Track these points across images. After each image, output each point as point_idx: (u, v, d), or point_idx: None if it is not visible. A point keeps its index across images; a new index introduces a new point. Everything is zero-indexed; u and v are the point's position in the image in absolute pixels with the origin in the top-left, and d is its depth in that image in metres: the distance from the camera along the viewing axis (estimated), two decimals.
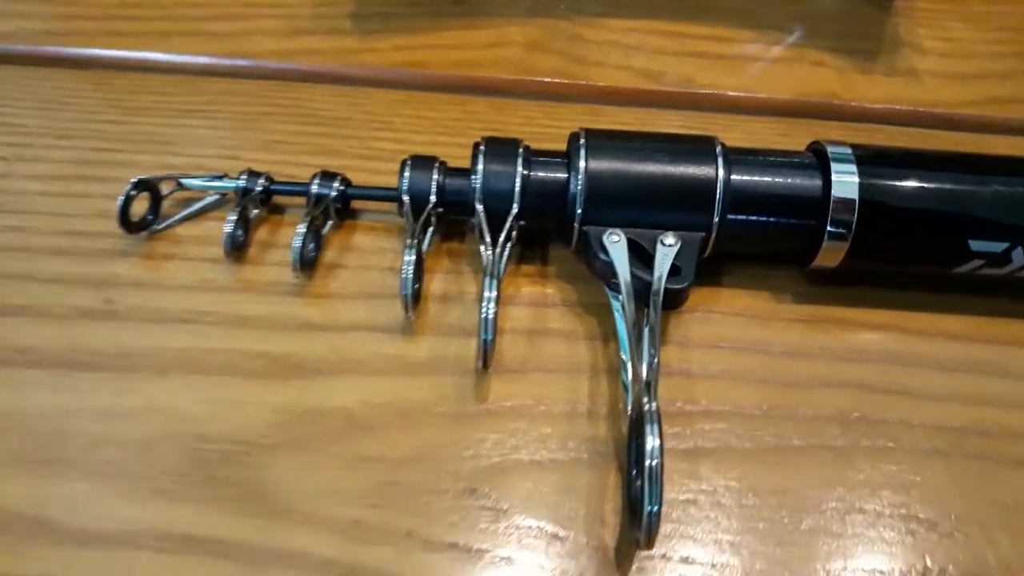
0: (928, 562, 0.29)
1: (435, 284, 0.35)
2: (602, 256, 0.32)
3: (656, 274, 0.32)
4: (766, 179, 0.34)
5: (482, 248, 0.33)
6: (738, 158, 0.33)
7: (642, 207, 0.33)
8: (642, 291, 0.31)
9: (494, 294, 0.31)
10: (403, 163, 0.35)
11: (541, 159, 0.34)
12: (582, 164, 0.33)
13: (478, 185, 0.33)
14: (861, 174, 0.33)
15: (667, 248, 0.32)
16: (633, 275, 0.32)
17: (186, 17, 0.45)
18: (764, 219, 0.34)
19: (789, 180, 0.33)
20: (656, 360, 0.30)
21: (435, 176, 0.34)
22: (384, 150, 0.39)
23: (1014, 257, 0.33)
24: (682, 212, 0.33)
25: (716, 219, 0.33)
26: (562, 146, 0.35)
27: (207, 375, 0.32)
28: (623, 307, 0.31)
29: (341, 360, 0.33)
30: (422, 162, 0.35)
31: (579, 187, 0.33)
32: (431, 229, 0.35)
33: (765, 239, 0.35)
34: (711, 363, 0.33)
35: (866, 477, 0.31)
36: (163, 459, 0.30)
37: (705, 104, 0.43)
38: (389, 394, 0.32)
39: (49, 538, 0.28)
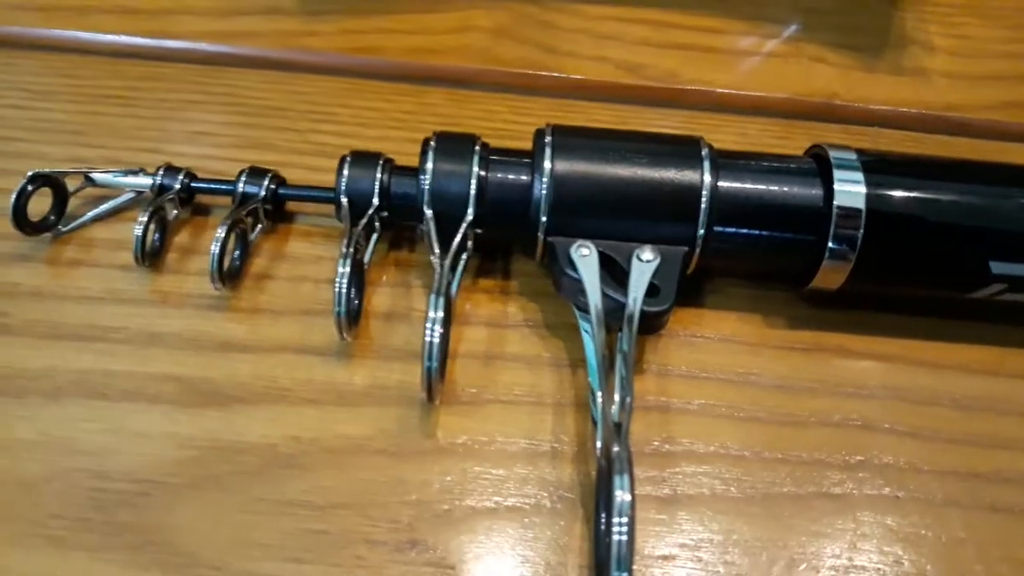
0: None
1: (379, 299, 0.33)
2: (569, 272, 0.31)
3: (631, 295, 0.30)
4: (759, 187, 0.32)
5: (432, 259, 0.31)
6: (727, 162, 0.32)
7: (616, 216, 0.31)
8: (615, 313, 0.30)
9: (440, 314, 0.28)
10: (342, 160, 0.33)
11: (501, 159, 0.32)
12: (547, 165, 0.31)
13: (427, 187, 0.31)
14: (868, 183, 0.31)
15: (644, 264, 0.30)
16: (605, 295, 0.30)
17: None
18: (756, 233, 0.32)
19: (785, 188, 0.32)
20: (629, 399, 0.28)
21: (379, 175, 0.32)
22: (326, 144, 0.37)
23: None
24: (662, 223, 0.31)
25: (701, 232, 0.31)
26: (527, 145, 0.33)
27: (109, 401, 0.30)
28: (593, 332, 0.29)
29: (265, 387, 0.31)
30: (364, 159, 0.33)
31: (544, 192, 0.31)
32: (375, 235, 0.33)
33: (757, 256, 0.33)
34: (693, 396, 0.32)
35: (869, 530, 0.29)
36: (55, 500, 0.28)
37: (691, 102, 0.42)
38: (319, 428, 0.30)
39: None
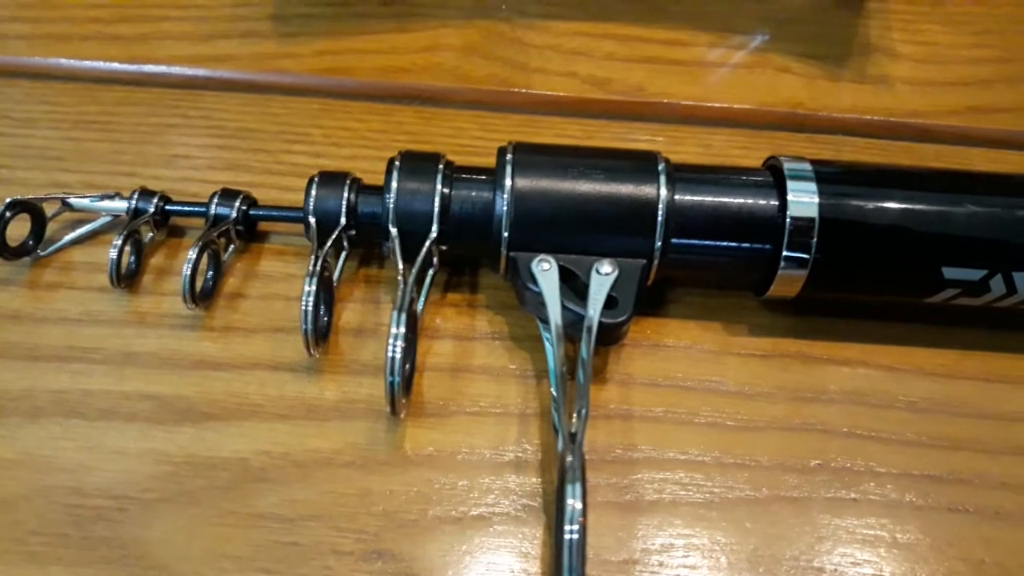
0: None
1: (348, 316, 0.33)
2: (531, 286, 0.31)
3: (590, 307, 0.30)
4: (715, 199, 0.32)
5: (398, 276, 0.30)
6: (683, 176, 0.32)
7: (575, 231, 0.31)
8: (576, 325, 0.30)
9: (401, 330, 0.28)
10: (310, 180, 0.33)
11: (464, 176, 0.32)
12: (508, 182, 0.31)
13: (391, 205, 0.31)
14: (821, 193, 0.31)
15: (603, 277, 0.30)
16: (565, 308, 0.30)
17: (86, 19, 0.42)
18: (713, 244, 0.32)
19: (740, 200, 0.32)
20: (584, 410, 0.28)
21: (346, 195, 0.32)
22: (297, 164, 0.37)
23: (992, 286, 0.31)
24: (620, 237, 0.31)
25: (659, 244, 0.31)
26: (492, 161, 0.32)
27: (86, 420, 0.30)
28: (553, 344, 0.29)
29: (238, 403, 0.31)
30: (332, 179, 0.33)
31: (505, 208, 0.31)
32: (344, 253, 0.33)
33: (715, 266, 0.33)
34: (654, 403, 0.32)
35: (828, 532, 0.29)
36: (34, 517, 0.28)
37: (657, 114, 0.41)
38: (290, 442, 0.30)
39: None
